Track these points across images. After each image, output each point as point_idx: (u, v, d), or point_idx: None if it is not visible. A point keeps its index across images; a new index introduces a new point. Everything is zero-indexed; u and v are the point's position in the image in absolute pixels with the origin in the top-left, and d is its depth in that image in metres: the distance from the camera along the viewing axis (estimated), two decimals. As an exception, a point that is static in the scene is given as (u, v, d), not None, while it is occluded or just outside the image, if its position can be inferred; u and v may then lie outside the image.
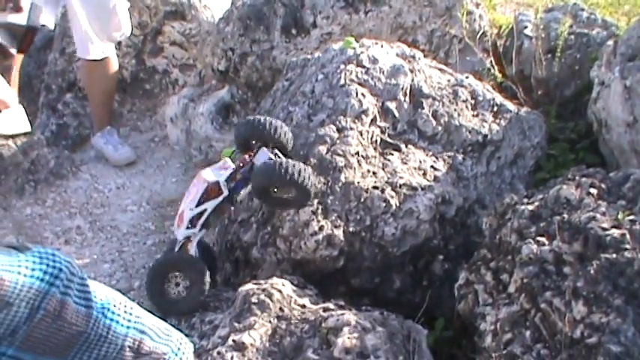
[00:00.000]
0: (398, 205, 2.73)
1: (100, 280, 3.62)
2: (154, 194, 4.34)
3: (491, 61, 3.89)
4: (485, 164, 3.01)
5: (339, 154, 2.79)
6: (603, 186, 2.34)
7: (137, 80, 5.17)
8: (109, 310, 1.46)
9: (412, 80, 3.06)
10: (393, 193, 2.75)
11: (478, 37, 4.22)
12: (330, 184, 2.74)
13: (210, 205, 2.64)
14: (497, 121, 3.09)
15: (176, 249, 2.72)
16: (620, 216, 2.14)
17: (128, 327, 1.48)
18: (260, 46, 4.32)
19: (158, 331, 1.55)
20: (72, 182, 4.37)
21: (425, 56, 4.35)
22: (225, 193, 2.65)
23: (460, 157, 2.96)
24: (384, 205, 2.72)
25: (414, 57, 3.18)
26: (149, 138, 4.94)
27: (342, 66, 3.03)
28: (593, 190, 2.31)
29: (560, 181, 2.45)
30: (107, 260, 3.78)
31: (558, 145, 3.21)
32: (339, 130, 2.85)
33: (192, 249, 2.68)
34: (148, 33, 5.09)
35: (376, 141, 2.89)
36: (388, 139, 2.91)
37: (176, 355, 1.58)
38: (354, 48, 3.15)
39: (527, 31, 3.88)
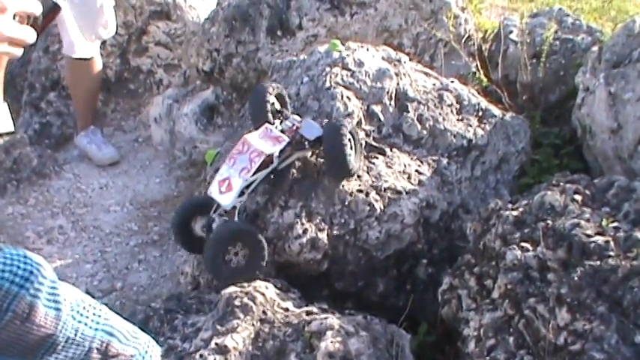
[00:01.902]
0: (382, 209, 2.73)
1: (81, 280, 3.61)
2: (138, 195, 4.31)
3: (476, 65, 3.89)
4: (470, 169, 3.02)
5: (323, 157, 2.78)
6: (587, 192, 2.34)
7: (121, 80, 5.13)
8: (77, 312, 1.46)
9: (397, 84, 3.05)
10: (378, 197, 2.74)
11: (463, 41, 4.22)
12: (314, 187, 2.73)
13: (261, 176, 2.65)
14: (482, 125, 3.09)
15: (217, 210, 2.70)
16: (604, 223, 2.14)
17: (96, 329, 1.48)
18: (245, 47, 4.30)
19: (126, 334, 1.55)
20: (54, 182, 4.34)
21: (410, 60, 4.35)
22: (275, 164, 2.67)
23: (445, 161, 2.96)
24: (368, 208, 2.72)
25: (399, 60, 3.18)
26: (133, 138, 4.91)
27: (328, 69, 3.03)
28: (578, 197, 2.31)
29: (545, 186, 2.46)
30: (89, 261, 3.75)
31: (543, 150, 3.22)
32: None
33: (236, 216, 2.66)
34: (132, 32, 5.06)
35: (361, 144, 2.88)
36: (373, 143, 2.90)
37: (143, 357, 1.58)
38: (339, 51, 3.15)
39: (512, 36, 3.90)
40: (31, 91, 4.99)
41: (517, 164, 3.13)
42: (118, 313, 1.68)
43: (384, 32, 4.32)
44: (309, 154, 2.81)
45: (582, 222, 2.15)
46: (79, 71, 4.49)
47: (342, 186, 2.74)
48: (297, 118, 2.81)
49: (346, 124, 2.70)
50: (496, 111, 3.18)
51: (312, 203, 2.71)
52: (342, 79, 3.00)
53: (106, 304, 1.67)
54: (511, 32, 3.94)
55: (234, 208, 2.65)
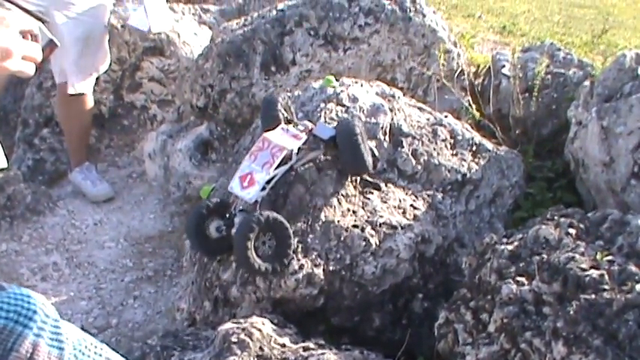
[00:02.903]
0: (378, 243, 2.74)
1: (76, 317, 3.60)
2: (132, 230, 4.31)
3: (468, 100, 3.92)
4: (465, 203, 3.03)
5: (318, 194, 2.79)
6: (582, 226, 2.36)
7: (115, 116, 5.16)
8: (79, 351, 1.45)
9: (392, 119, 3.08)
10: (373, 232, 2.75)
11: (456, 75, 4.26)
12: (310, 222, 2.74)
13: (281, 171, 2.73)
14: (476, 160, 3.11)
15: (239, 206, 2.76)
16: (598, 256, 2.16)
17: None
18: (239, 83, 4.32)
19: None
20: (49, 218, 4.34)
21: (403, 94, 4.40)
22: (294, 160, 2.75)
23: (439, 195, 2.98)
24: (363, 243, 2.73)
25: (393, 96, 3.21)
26: (127, 174, 4.92)
27: (322, 104, 3.05)
28: (572, 230, 2.33)
29: (539, 220, 2.47)
30: (84, 297, 3.74)
31: (536, 184, 3.24)
32: (318, 170, 2.85)
33: (257, 208, 2.69)
34: (126, 68, 5.09)
35: (356, 180, 2.90)
36: (368, 178, 2.92)
37: None
38: (334, 87, 3.17)
39: (504, 71, 3.94)
40: (24, 128, 5.01)
41: (511, 198, 3.15)
42: (115, 351, 1.68)
43: (377, 67, 4.36)
44: (322, 154, 2.88)
45: (577, 256, 2.16)
46: (73, 107, 4.51)
47: (337, 221, 2.75)
48: (309, 123, 2.89)
49: (357, 120, 2.84)
50: (490, 145, 3.20)
51: (307, 239, 2.71)
52: (337, 114, 3.02)
53: (102, 341, 1.68)
54: (503, 67, 3.98)
55: (255, 202, 2.70)
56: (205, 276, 2.92)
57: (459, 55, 4.48)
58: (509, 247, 2.35)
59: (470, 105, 3.86)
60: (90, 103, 4.57)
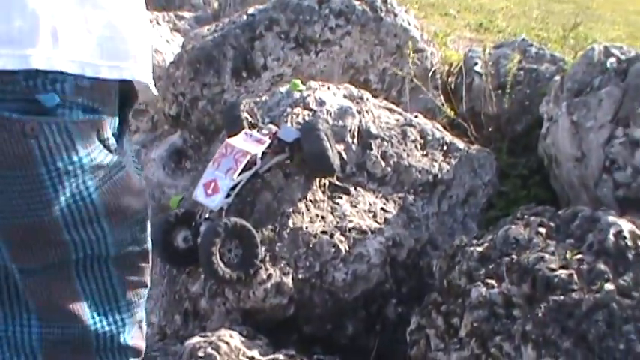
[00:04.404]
0: (348, 249, 2.68)
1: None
2: (107, 243, 4.23)
3: (441, 99, 3.87)
4: (437, 204, 2.98)
5: (285, 200, 2.73)
6: (552, 224, 2.31)
7: (89, 127, 5.08)
8: None
9: (360, 121, 3.02)
10: (343, 238, 2.70)
11: (430, 74, 4.21)
12: (277, 230, 2.69)
13: (245, 177, 2.67)
14: (448, 160, 3.06)
15: (204, 214, 2.68)
16: (568, 255, 2.11)
17: None
18: (211, 90, 4.26)
19: None
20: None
21: (377, 95, 4.34)
22: (258, 165, 2.69)
23: (411, 197, 2.92)
24: (333, 250, 2.67)
25: (362, 98, 3.15)
26: (102, 185, 4.85)
27: (289, 109, 2.99)
28: (542, 230, 2.28)
29: (510, 220, 2.42)
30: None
31: (510, 181, 3.19)
32: (285, 176, 2.80)
33: (223, 216, 2.62)
34: (98, 79, 5.02)
35: (324, 185, 2.84)
36: (337, 183, 2.86)
37: None
38: (300, 90, 3.11)
39: (477, 68, 3.88)
40: None
41: (484, 197, 3.09)
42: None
43: (350, 69, 4.30)
44: (287, 158, 2.83)
45: (546, 255, 2.11)
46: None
47: (306, 227, 2.69)
48: (273, 127, 2.83)
49: (322, 122, 2.79)
50: (461, 145, 3.14)
51: (275, 247, 2.66)
52: (304, 119, 2.96)
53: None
54: (475, 64, 3.93)
55: (221, 209, 2.64)
56: (174, 288, 2.86)
57: (432, 54, 4.42)
58: (479, 249, 2.30)
59: (443, 104, 3.80)
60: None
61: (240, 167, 2.61)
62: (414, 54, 4.19)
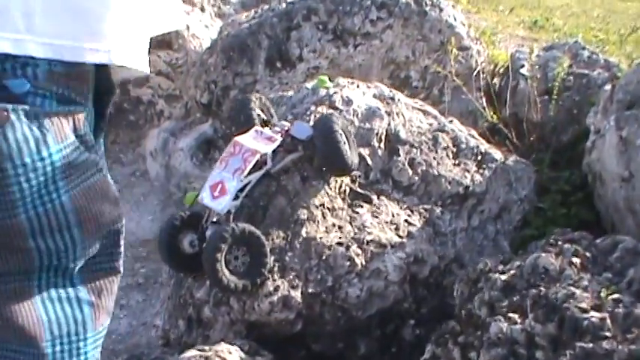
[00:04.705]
0: (364, 264, 2.47)
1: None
2: (128, 233, 4.05)
3: (482, 102, 3.62)
4: (466, 219, 2.74)
5: (301, 206, 2.53)
6: (588, 254, 2.07)
7: (121, 111, 4.95)
8: None
9: (389, 124, 2.80)
10: (360, 251, 2.48)
11: (475, 74, 3.98)
12: (289, 238, 2.48)
13: (255, 177, 2.48)
14: (481, 171, 2.82)
15: (211, 218, 2.48)
16: (603, 293, 1.87)
17: None
18: (243, 80, 4.09)
19: None
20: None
21: (417, 94, 4.11)
22: (269, 165, 2.51)
23: (438, 210, 2.69)
24: (348, 263, 2.46)
25: (392, 98, 2.92)
26: (130, 172, 4.72)
27: (313, 107, 2.78)
28: (576, 260, 2.04)
29: (541, 245, 2.18)
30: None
31: (549, 197, 2.94)
32: (303, 179, 2.60)
33: (231, 220, 2.44)
34: (132, 62, 4.87)
35: (345, 191, 2.63)
36: (358, 190, 2.65)
37: None
38: (327, 87, 2.90)
39: (523, 71, 3.62)
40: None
41: (519, 214, 2.84)
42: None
43: (390, 64, 4.09)
44: (301, 157, 2.63)
45: (578, 292, 1.88)
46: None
47: (320, 238, 2.48)
48: (286, 123, 2.64)
49: (337, 116, 2.59)
50: (497, 155, 2.89)
51: (286, 257, 2.46)
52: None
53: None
54: (522, 66, 3.67)
55: (229, 213, 2.44)
56: (180, 292, 2.68)
57: (478, 52, 4.18)
58: (503, 277, 2.07)
59: (484, 108, 3.56)
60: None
61: (249, 167, 2.41)
62: (457, 52, 3.97)
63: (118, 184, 4.35)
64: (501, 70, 3.98)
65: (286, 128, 2.58)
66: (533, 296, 1.93)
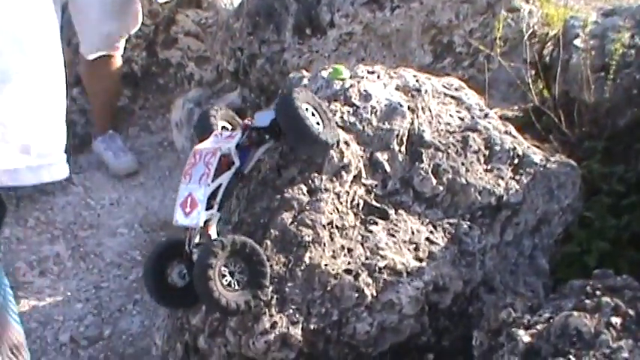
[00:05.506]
0: (375, 295, 2.17)
1: (68, 324, 3.22)
2: (149, 214, 3.88)
3: (530, 76, 3.20)
4: (499, 233, 2.40)
5: (306, 225, 2.23)
6: (632, 312, 1.72)
7: (149, 74, 4.69)
8: None
9: (412, 123, 2.45)
10: (370, 280, 2.18)
11: (526, 39, 3.57)
12: (290, 265, 2.19)
13: (224, 179, 2.21)
14: (518, 177, 2.45)
15: (193, 239, 2.21)
16: (644, 372, 1.54)
17: None
18: (270, 48, 3.77)
19: None
20: (59, 198, 3.93)
21: (462, 60, 3.73)
22: (237, 163, 2.24)
23: (465, 225, 2.35)
24: (356, 295, 2.16)
25: (419, 90, 2.56)
26: (158, 141, 4.48)
27: (326, 103, 2.44)
28: (616, 320, 1.69)
29: (577, 291, 1.84)
30: (81, 299, 3.35)
31: (598, 202, 2.56)
32: (310, 192, 2.29)
33: (214, 233, 2.20)
34: (159, 22, 4.57)
35: (358, 205, 2.32)
36: (374, 203, 2.33)
37: None
38: (343, 79, 2.56)
39: (576, 42, 3.20)
40: (51, 88, 4.59)
41: (561, 225, 2.48)
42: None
43: (431, 29, 3.73)
44: (271, 146, 2.39)
45: (614, 369, 1.55)
46: (95, 68, 4.10)
47: (325, 265, 2.18)
48: (247, 120, 2.40)
49: (298, 90, 2.29)
50: (537, 157, 2.51)
51: (285, 287, 2.17)
52: (342, 117, 2.42)
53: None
54: (577, 36, 3.24)
55: (207, 222, 2.18)
56: (177, 315, 2.43)
57: (530, 12, 3.76)
58: (526, 339, 1.74)
59: (529, 84, 3.15)
60: (117, 63, 4.14)
61: (213, 169, 2.15)
62: (506, 13, 3.57)
63: (144, 156, 4.15)
64: (555, 36, 3.55)
65: (247, 122, 2.34)
66: (559, 368, 1.61)
